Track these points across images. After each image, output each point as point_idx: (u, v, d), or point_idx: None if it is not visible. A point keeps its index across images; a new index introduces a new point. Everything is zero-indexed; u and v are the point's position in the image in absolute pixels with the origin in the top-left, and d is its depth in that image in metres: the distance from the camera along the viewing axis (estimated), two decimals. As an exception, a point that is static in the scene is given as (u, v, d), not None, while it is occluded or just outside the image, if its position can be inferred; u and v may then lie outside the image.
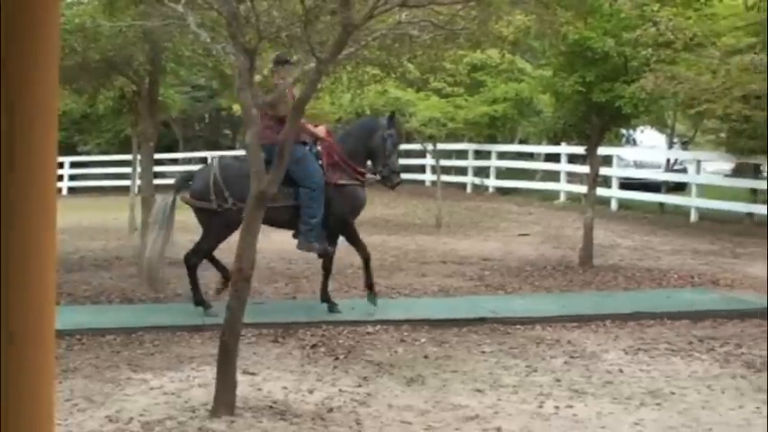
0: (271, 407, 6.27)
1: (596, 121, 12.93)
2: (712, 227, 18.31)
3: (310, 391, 6.71)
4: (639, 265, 13.22)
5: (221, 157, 9.76)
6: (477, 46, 10.71)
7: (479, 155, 26.69)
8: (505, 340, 8.45)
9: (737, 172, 22.07)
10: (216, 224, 9.11)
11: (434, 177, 22.16)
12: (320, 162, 9.22)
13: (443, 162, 23.01)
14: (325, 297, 9.45)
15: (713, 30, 10.39)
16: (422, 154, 26.17)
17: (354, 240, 9.52)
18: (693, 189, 20.22)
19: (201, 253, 9.30)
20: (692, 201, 20.03)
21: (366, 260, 9.42)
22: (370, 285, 9.46)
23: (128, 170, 21.78)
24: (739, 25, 9.32)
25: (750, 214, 18.92)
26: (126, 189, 21.27)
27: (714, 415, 6.29)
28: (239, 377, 6.34)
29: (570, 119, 13.34)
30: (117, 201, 22.15)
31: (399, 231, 17.39)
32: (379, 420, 6.08)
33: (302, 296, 10.62)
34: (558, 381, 7.09)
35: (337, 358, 7.72)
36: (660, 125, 26.92)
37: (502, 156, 26.16)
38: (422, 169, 27.80)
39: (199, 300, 9.25)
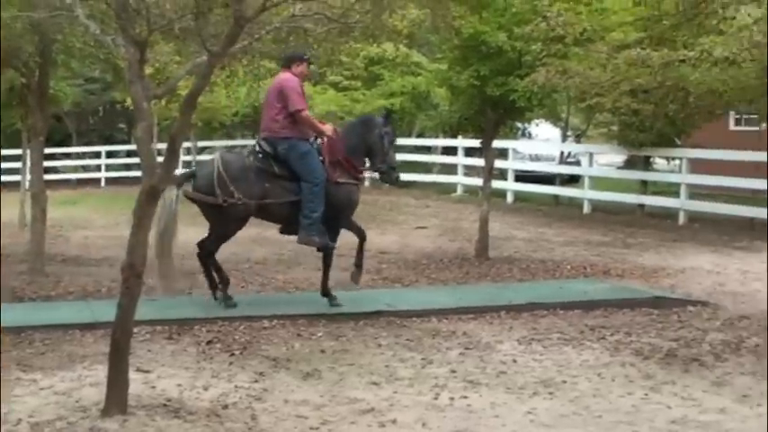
0: (165, 405, 6.18)
1: (491, 115, 13.10)
2: (605, 218, 18.73)
3: (205, 388, 6.64)
4: (534, 256, 13.44)
5: (222, 153, 9.79)
6: (372, 39, 10.73)
7: (377, 148, 26.69)
8: (402, 333, 8.49)
9: (629, 164, 22.61)
10: (223, 218, 9.20)
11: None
12: (321, 158, 9.32)
13: (341, 156, 22.98)
14: (326, 291, 9.55)
15: (602, 25, 10.61)
16: (319, 148, 26.09)
17: (351, 226, 9.72)
18: (586, 181, 20.66)
19: (210, 246, 9.35)
20: (585, 193, 20.47)
21: (362, 240, 9.71)
22: (359, 264, 9.75)
23: (18, 165, 21.21)
24: (628, 20, 9.52)
25: (641, 206, 19.41)
26: (16, 184, 20.72)
27: (604, 402, 6.43)
28: (132, 375, 6.24)
29: (466, 112, 13.50)
30: (7, 197, 21.56)
31: (297, 225, 17.31)
32: (274, 415, 6.06)
33: (198, 292, 10.50)
34: (454, 372, 7.16)
35: (233, 354, 7.66)
36: (554, 119, 27.42)
37: (399, 149, 26.18)
38: (320, 163, 27.71)
39: (214, 290, 9.35)
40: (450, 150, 24.84)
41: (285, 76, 9.28)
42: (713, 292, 10.61)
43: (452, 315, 9.20)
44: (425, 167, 26.10)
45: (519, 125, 25.74)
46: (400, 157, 25.83)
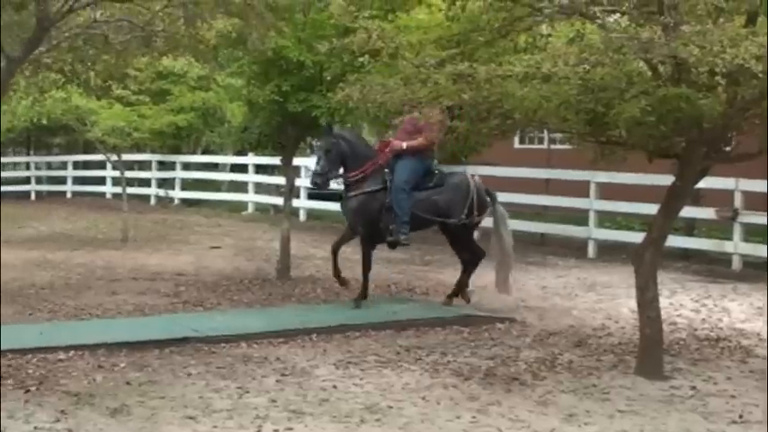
0: (-46, 453, 5.51)
1: (292, 132, 12.78)
2: (399, 235, 18.70)
3: (0, 432, 5.98)
4: (336, 275, 13.17)
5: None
6: (174, 50, 10.19)
7: (163, 166, 26.02)
8: (212, 360, 8.02)
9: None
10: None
11: (116, 189, 21.25)
12: None
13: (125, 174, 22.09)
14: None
15: (408, 41, 10.48)
16: (102, 165, 25.18)
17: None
18: (382, 199, 20.63)
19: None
20: (378, 210, 20.42)
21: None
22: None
23: None
24: (445, 37, 9.40)
25: (433, 222, 19.52)
26: None
27: (434, 428, 6.22)
28: None
29: (265, 129, 13.13)
30: None
31: (83, 246, 16.42)
32: (84, 459, 5.50)
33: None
34: (274, 401, 6.78)
35: (28, 391, 6.95)
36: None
37: (187, 166, 25.63)
38: (102, 181, 26.74)
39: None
40: (239, 168, 24.40)
41: None
42: (517, 309, 10.69)
43: (262, 339, 8.81)
44: (214, 185, 25.55)
45: (314, 143, 25.52)
46: (188, 174, 25.43)
